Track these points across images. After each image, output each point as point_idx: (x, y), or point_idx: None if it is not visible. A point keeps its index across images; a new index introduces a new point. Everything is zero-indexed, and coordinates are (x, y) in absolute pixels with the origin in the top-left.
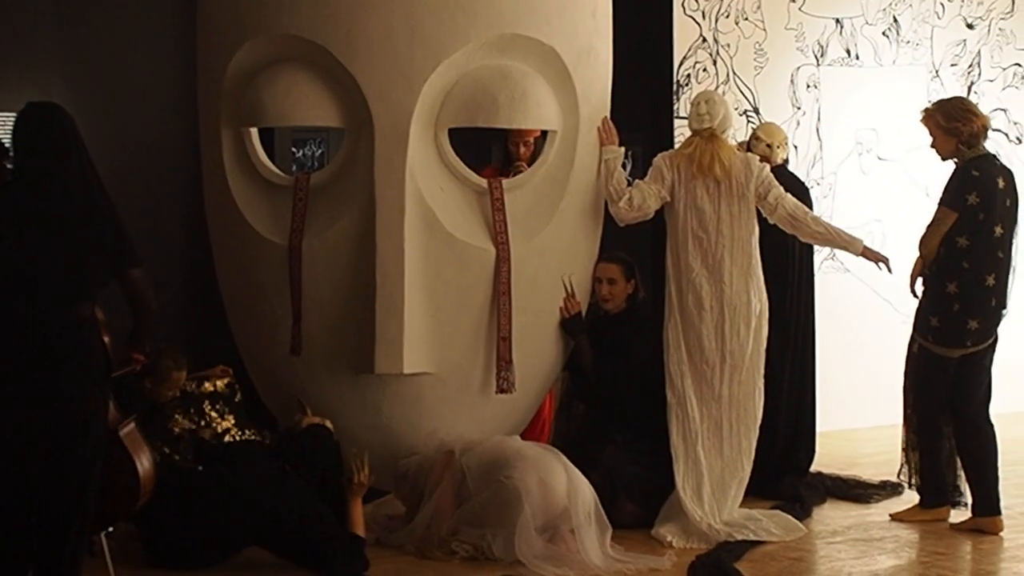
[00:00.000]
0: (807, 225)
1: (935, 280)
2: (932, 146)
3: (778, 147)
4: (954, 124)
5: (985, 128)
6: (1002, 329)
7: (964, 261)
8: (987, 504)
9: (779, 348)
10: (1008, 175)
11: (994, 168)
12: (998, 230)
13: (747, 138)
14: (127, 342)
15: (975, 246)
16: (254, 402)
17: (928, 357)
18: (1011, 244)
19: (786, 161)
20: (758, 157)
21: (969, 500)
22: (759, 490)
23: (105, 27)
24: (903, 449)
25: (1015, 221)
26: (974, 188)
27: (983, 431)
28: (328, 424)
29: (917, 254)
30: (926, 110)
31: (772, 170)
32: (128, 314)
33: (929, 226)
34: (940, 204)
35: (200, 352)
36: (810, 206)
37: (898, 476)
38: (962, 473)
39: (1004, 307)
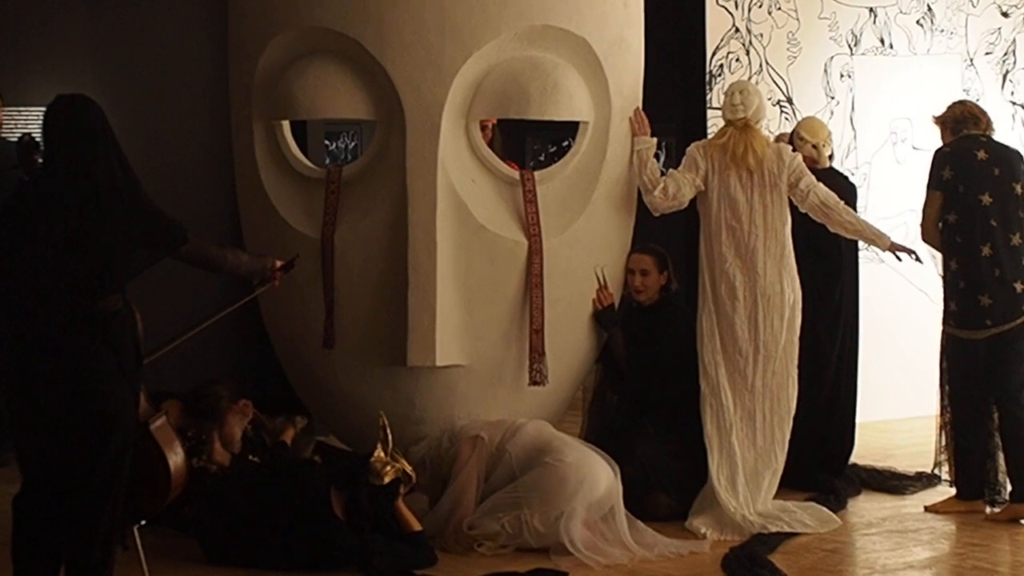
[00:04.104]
0: (839, 214)
1: (945, 264)
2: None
3: (823, 145)
4: (942, 117)
5: (970, 113)
6: None
7: (957, 236)
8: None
9: (828, 340)
10: (994, 148)
11: (973, 143)
12: (985, 199)
13: (790, 132)
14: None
15: (963, 219)
16: (287, 395)
17: (956, 345)
18: (1009, 214)
19: (831, 156)
20: (791, 147)
21: (1007, 497)
22: (794, 482)
23: (136, 21)
24: (941, 447)
25: (1009, 190)
26: (946, 163)
27: (1017, 417)
28: (411, 471)
29: None
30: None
31: (819, 173)
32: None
33: (922, 214)
34: (926, 190)
35: (234, 346)
36: (855, 207)
37: (932, 470)
38: (1003, 470)
39: (1016, 279)
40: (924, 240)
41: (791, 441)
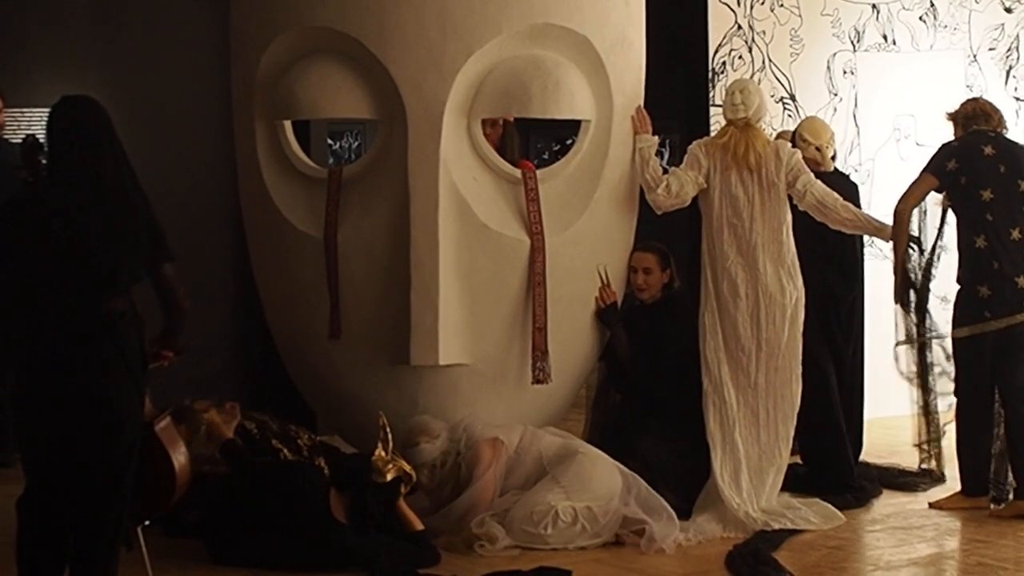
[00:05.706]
0: (836, 212)
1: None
2: None
3: (826, 147)
4: (955, 113)
5: (981, 110)
6: None
7: (956, 227)
8: None
9: (844, 340)
10: (1002, 144)
11: (981, 138)
12: (986, 195)
13: (791, 131)
14: (158, 338)
15: (959, 211)
16: (290, 395)
17: (961, 345)
18: (1013, 209)
19: (834, 156)
20: (789, 144)
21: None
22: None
23: (139, 22)
24: (923, 442)
25: (1014, 187)
26: (952, 155)
27: (1021, 413)
28: (410, 470)
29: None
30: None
31: (825, 176)
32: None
33: (906, 189)
34: (921, 172)
35: (238, 346)
36: (858, 205)
37: (919, 466)
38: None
39: (1018, 273)
40: (896, 210)
41: (818, 441)
